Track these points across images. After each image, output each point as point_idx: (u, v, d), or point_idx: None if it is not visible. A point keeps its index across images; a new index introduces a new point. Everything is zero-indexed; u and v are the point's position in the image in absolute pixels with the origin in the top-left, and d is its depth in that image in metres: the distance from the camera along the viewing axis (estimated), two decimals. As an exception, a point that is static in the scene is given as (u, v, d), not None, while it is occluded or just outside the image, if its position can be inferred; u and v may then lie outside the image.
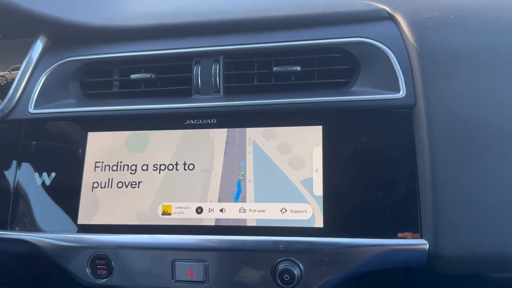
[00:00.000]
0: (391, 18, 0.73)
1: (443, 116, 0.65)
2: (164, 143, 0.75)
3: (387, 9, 0.73)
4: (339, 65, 0.74)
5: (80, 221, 0.74)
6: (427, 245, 0.62)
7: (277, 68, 0.75)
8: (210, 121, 0.74)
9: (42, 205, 0.76)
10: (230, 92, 0.77)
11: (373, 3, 0.75)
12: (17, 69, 0.84)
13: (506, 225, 0.61)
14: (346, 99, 0.70)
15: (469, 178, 0.63)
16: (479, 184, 0.63)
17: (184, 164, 0.73)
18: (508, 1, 0.71)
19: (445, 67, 0.67)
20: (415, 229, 0.63)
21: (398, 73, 0.69)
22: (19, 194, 0.77)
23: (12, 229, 0.76)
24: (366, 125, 0.69)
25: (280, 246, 0.66)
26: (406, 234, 0.64)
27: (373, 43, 0.71)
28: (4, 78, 0.88)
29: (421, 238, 0.63)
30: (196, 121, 0.74)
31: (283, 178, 0.69)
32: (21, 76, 0.81)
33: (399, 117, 0.68)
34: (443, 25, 0.69)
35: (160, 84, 0.80)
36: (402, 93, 0.68)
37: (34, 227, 0.75)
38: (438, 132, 0.65)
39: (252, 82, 0.77)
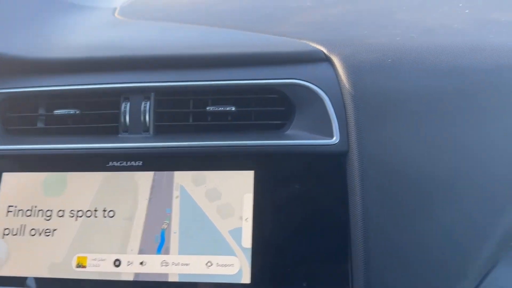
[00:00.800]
0: (327, 59, 0.70)
1: (376, 165, 0.62)
2: (83, 187, 0.68)
3: (324, 50, 0.71)
4: (276, 107, 0.71)
5: (-15, 273, 0.66)
6: None
7: (211, 108, 0.71)
8: (135, 163, 0.68)
9: None
10: (160, 132, 0.72)
11: (311, 43, 0.73)
12: None
13: (436, 280, 0.58)
14: (280, 143, 0.66)
15: (402, 231, 0.60)
16: (411, 238, 0.59)
17: (104, 210, 0.67)
18: (446, 44, 0.70)
19: (379, 113, 0.64)
20: (346, 281, 0.59)
21: (332, 117, 0.66)
22: None
23: None
24: (299, 171, 0.65)
25: None
26: (338, 285, 0.59)
27: (308, 86, 0.68)
28: None
29: (353, 291, 0.59)
30: (120, 163, 0.68)
31: (210, 227, 0.64)
32: None
33: (332, 164, 0.64)
34: (379, 68, 0.67)
35: (85, 121, 0.74)
36: (335, 139, 0.65)
37: None
38: (370, 182, 0.62)
39: (185, 121, 0.72)
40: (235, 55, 0.72)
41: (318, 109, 0.67)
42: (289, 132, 0.68)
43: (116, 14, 1.00)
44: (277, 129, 0.70)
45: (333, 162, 0.64)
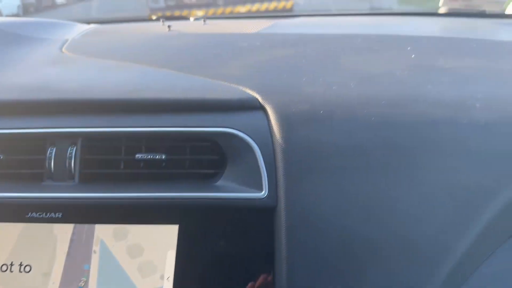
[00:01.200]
0: (262, 108, 0.68)
1: (303, 222, 0.60)
2: (1, 238, 0.64)
3: (259, 98, 0.69)
4: (209, 155, 0.68)
5: None
6: None
7: (140, 156, 0.68)
8: (55, 215, 0.65)
9: None
10: (87, 180, 0.69)
11: (247, 90, 0.71)
12: None
13: None
14: (207, 196, 0.64)
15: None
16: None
17: (20, 265, 0.63)
18: (382, 94, 0.69)
19: (309, 168, 0.62)
20: None
21: (262, 170, 0.64)
22: None
23: None
24: (226, 226, 0.62)
25: None
26: None
27: (240, 136, 0.66)
28: None
29: None
30: (39, 214, 0.65)
31: (130, 286, 0.61)
32: None
33: (260, 219, 0.62)
34: (311, 120, 0.65)
35: (8, 167, 0.70)
36: (264, 193, 0.63)
37: None
38: (296, 240, 0.59)
39: (115, 168, 0.69)
40: (169, 101, 0.70)
41: (250, 160, 0.65)
42: (219, 183, 0.66)
43: (63, 49, 0.97)
44: (210, 178, 0.68)
45: (261, 217, 0.62)
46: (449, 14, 1.27)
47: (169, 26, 1.16)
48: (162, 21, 1.26)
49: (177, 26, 1.20)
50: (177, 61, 0.84)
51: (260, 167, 0.64)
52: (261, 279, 0.60)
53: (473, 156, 0.63)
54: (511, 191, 0.62)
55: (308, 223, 0.60)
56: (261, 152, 0.65)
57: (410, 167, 0.63)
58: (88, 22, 1.38)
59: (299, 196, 0.61)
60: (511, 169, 0.63)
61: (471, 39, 0.95)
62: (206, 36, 1.06)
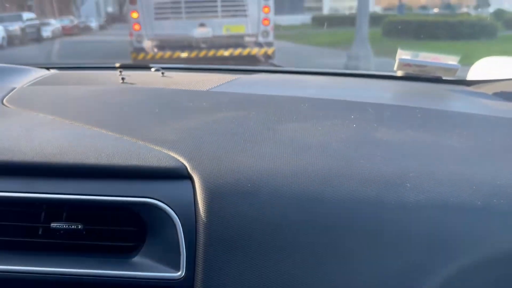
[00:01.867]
0: (189, 177, 0.65)
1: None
2: None
3: (188, 167, 0.66)
4: (128, 227, 0.65)
5: None
6: None
7: (55, 225, 0.64)
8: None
9: None
10: (-2, 248, 0.64)
11: (177, 156, 0.68)
12: None
13: None
14: (121, 275, 0.60)
15: None
16: None
17: None
18: (313, 168, 0.67)
19: (230, 246, 0.59)
20: None
21: (181, 247, 0.60)
22: None
23: None
24: (138, 309, 0.58)
25: None
26: None
27: (162, 207, 0.63)
28: None
29: None
30: None
31: None
32: None
33: (174, 302, 0.58)
34: (237, 194, 0.62)
35: None
36: (180, 273, 0.59)
37: None
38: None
39: (29, 237, 0.65)
40: (91, 166, 0.67)
41: (170, 235, 0.62)
42: (136, 259, 0.62)
43: (4, 100, 0.95)
44: (129, 252, 0.64)
45: (176, 300, 0.58)
46: (407, 78, 1.29)
47: (123, 78, 1.14)
48: (120, 71, 1.24)
49: (132, 77, 1.18)
50: (113, 120, 0.82)
51: (180, 244, 0.61)
52: None
53: (401, 238, 0.61)
54: (437, 275, 0.60)
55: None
56: (182, 227, 0.61)
57: (337, 247, 0.60)
58: (49, 67, 1.36)
59: (218, 280, 0.58)
60: (437, 252, 0.60)
61: (417, 108, 0.96)
62: (154, 92, 1.04)
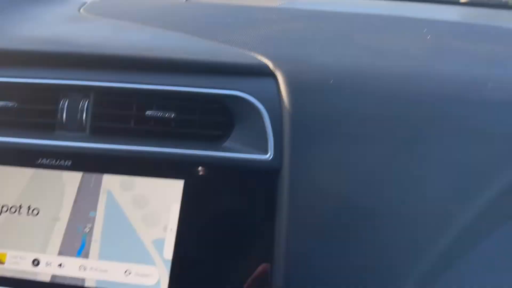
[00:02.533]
0: (272, 75, 0.69)
1: (306, 186, 0.61)
2: (10, 181, 0.66)
3: (270, 65, 0.70)
4: (217, 117, 0.70)
5: None
6: None
7: (150, 113, 0.69)
8: (65, 163, 0.66)
9: None
10: (97, 133, 0.70)
11: (259, 56, 0.71)
12: None
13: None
14: (213, 155, 0.65)
15: (323, 257, 0.59)
16: (333, 266, 0.58)
17: (29, 208, 0.65)
18: (393, 69, 0.69)
19: (315, 134, 0.63)
20: None
21: (268, 133, 0.65)
22: None
23: None
24: (230, 185, 0.64)
25: None
26: None
27: (249, 99, 0.67)
28: None
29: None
30: (49, 161, 0.67)
31: (133, 236, 0.63)
32: None
33: (264, 181, 0.63)
34: (321, 89, 0.66)
35: (20, 115, 0.72)
36: (269, 155, 0.64)
37: None
38: (298, 203, 0.61)
39: (124, 124, 0.71)
40: (181, 61, 0.71)
41: (257, 124, 0.66)
42: (226, 144, 0.67)
43: (81, 10, 0.99)
44: (217, 139, 0.69)
45: (265, 178, 0.63)
46: (470, 3, 1.25)
47: None
48: None
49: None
50: (191, 26, 0.85)
51: (267, 130, 0.65)
52: (260, 237, 0.61)
53: (480, 135, 0.64)
54: None
55: (311, 186, 0.61)
56: (268, 116, 0.66)
57: (415, 141, 0.64)
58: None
59: (304, 161, 0.62)
60: None
61: (489, 26, 0.95)
62: (222, 7, 1.06)
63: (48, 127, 0.70)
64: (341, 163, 0.63)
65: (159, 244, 0.62)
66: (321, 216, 0.60)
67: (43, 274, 0.62)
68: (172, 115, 0.69)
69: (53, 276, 0.62)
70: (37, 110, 0.71)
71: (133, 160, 0.66)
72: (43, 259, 0.63)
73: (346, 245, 0.60)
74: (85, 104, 0.70)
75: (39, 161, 0.67)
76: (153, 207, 0.64)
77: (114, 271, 0.61)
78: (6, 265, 0.63)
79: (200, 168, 0.65)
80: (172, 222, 0.63)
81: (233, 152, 0.65)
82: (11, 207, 0.65)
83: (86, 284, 0.61)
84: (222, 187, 0.64)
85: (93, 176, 0.66)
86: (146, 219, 0.63)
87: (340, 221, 0.60)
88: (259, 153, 0.65)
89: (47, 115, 0.71)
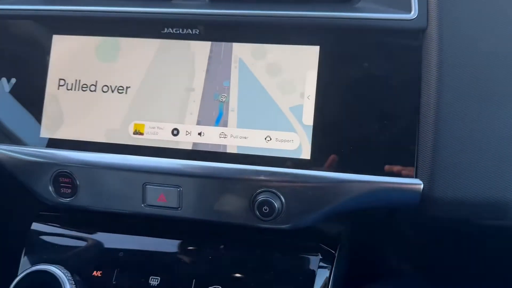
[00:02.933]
0: None
1: (457, 45, 0.57)
2: (138, 54, 0.65)
3: None
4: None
5: (43, 134, 0.66)
6: (422, 185, 0.57)
7: None
8: (192, 32, 0.64)
9: (0, 114, 0.68)
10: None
11: None
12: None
13: (510, 171, 0.56)
14: (349, 16, 0.61)
15: (477, 116, 0.57)
16: (487, 125, 0.56)
17: (161, 79, 0.65)
18: None
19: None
20: (410, 168, 0.58)
21: None
22: (-26, 100, 0.69)
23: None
24: (369, 48, 0.60)
25: (262, 176, 0.60)
26: (399, 172, 0.58)
27: None
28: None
29: (416, 177, 0.58)
30: (176, 30, 0.64)
31: (270, 103, 0.62)
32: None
33: (407, 41, 0.59)
34: None
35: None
36: (413, 14, 0.59)
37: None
38: (449, 63, 0.57)
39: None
40: None
41: None
42: (360, 4, 0.62)
43: None
44: (344, 1, 0.64)
45: (409, 39, 0.59)
46: None
47: None
48: None
49: None
50: None
51: None
52: (404, 100, 0.59)
53: None
54: None
55: (463, 46, 0.57)
56: None
57: None
58: None
59: (454, 18, 0.58)
60: None
61: None
62: None
63: (166, -4, 0.67)
64: (491, 17, 0.57)
65: (297, 110, 0.61)
66: (473, 76, 0.57)
67: (184, 142, 0.63)
68: (297, -24, 0.64)
69: (194, 144, 0.63)
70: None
71: (263, 26, 0.63)
72: (182, 129, 0.64)
73: (502, 111, 0.57)
74: (203, -31, 0.65)
75: (164, 31, 0.65)
76: (288, 74, 0.62)
77: (254, 137, 0.62)
78: (145, 136, 0.65)
79: (335, 32, 0.61)
80: (309, 89, 0.61)
81: (372, 13, 0.61)
82: (142, 80, 0.65)
83: (227, 150, 0.62)
84: (360, 51, 0.60)
85: (223, 45, 0.63)
86: (282, 86, 0.62)
87: (498, 83, 0.56)
88: (401, 12, 0.60)
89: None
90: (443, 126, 0.57)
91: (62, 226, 0.69)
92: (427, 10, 0.59)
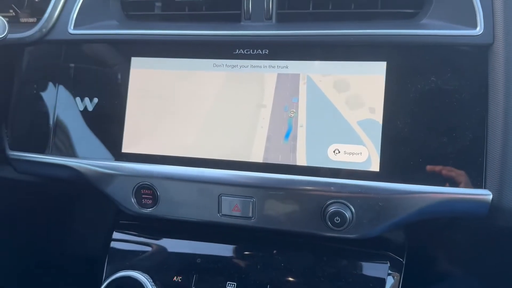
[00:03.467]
0: None
1: (525, 59, 0.59)
2: (212, 76, 0.70)
3: None
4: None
5: (124, 149, 0.72)
6: (491, 196, 0.59)
7: None
8: (262, 52, 0.68)
9: (84, 131, 0.74)
10: (283, 20, 0.71)
11: None
12: (55, -15, 0.78)
13: None
14: (416, 33, 0.63)
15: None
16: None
17: (232, 97, 0.69)
18: None
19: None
20: (479, 179, 0.60)
21: (476, 6, 0.61)
22: (60, 119, 0.75)
23: (53, 154, 0.75)
24: (435, 63, 0.62)
25: (332, 188, 0.63)
26: (468, 183, 0.60)
27: None
28: (39, -6, 0.82)
29: (485, 188, 0.59)
30: (246, 51, 0.69)
31: (338, 117, 0.65)
32: (59, -7, 0.76)
33: (473, 57, 0.61)
34: None
35: (206, 8, 0.73)
36: (479, 30, 0.61)
37: (76, 154, 0.74)
38: (516, 77, 0.59)
39: (307, 9, 0.70)
40: None
41: None
42: (424, 21, 0.65)
43: None
44: (410, 18, 0.67)
45: (475, 54, 0.61)
46: None
47: None
48: None
49: None
50: None
51: (474, 3, 0.62)
52: (471, 113, 0.61)
53: None
54: None
55: (530, 59, 0.59)
56: None
57: None
58: None
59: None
60: None
61: None
62: None
63: (234, 18, 0.71)
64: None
65: (365, 124, 0.64)
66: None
67: (256, 155, 0.67)
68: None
69: (265, 157, 0.67)
70: (220, 2, 0.72)
71: (331, 44, 0.66)
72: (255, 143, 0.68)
73: None
74: (270, -9, 0.69)
75: (236, 52, 0.69)
76: (355, 90, 0.65)
77: (323, 150, 0.65)
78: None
79: (401, 49, 0.64)
80: (377, 104, 0.64)
81: (437, 29, 0.63)
82: (215, 99, 0.69)
83: (298, 163, 0.66)
84: (426, 66, 0.63)
85: (291, 63, 0.67)
86: (349, 101, 0.65)
87: None
88: (466, 28, 0.62)
89: (232, 6, 0.71)
90: (511, 137, 0.58)
91: (141, 234, 0.75)
92: (493, 25, 0.60)
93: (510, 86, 0.59)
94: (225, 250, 0.70)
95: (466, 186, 0.60)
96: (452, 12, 0.63)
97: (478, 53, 0.61)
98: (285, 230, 0.66)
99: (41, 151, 0.76)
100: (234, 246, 0.70)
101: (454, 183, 0.60)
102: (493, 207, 0.59)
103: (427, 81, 0.62)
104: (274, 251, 0.69)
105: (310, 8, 0.70)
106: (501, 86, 0.59)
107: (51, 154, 0.76)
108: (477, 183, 0.60)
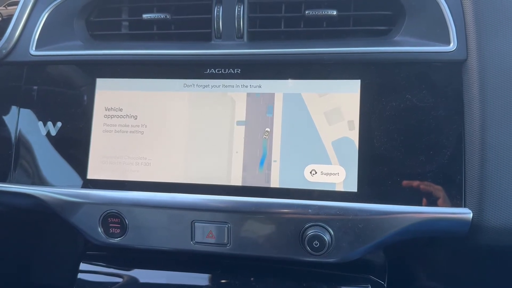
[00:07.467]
0: None
1: (498, 74, 0.58)
2: (183, 96, 0.67)
3: None
4: (380, 11, 0.66)
5: (90, 175, 0.68)
6: (471, 215, 0.57)
7: (310, 12, 0.66)
8: (234, 71, 0.66)
9: (47, 157, 0.70)
10: (254, 38, 0.69)
11: None
12: (15, 3, 0.74)
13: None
14: (389, 50, 0.62)
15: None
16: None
17: (204, 118, 0.66)
18: None
19: (504, 18, 0.59)
20: (458, 197, 0.58)
21: (449, 22, 0.61)
22: (22, 145, 0.71)
23: (14, 182, 0.71)
24: (410, 80, 0.61)
25: (310, 210, 0.61)
26: (447, 202, 0.59)
27: None
28: (-1, 14, 0.79)
29: (464, 206, 0.58)
30: (218, 70, 0.66)
31: (314, 136, 0.63)
32: (20, 12, 0.72)
33: (447, 73, 0.61)
34: None
35: (175, 27, 0.71)
36: (452, 46, 0.60)
37: (38, 181, 0.69)
38: (490, 92, 0.58)
39: (278, 27, 0.69)
40: None
41: (432, 14, 0.62)
42: (398, 38, 0.64)
43: None
44: (384, 35, 0.66)
45: (449, 70, 0.61)
46: None
47: None
48: None
49: None
50: None
51: (447, 19, 0.61)
52: (447, 130, 0.60)
53: None
54: None
55: (503, 75, 0.58)
56: (447, 4, 0.61)
57: None
58: None
59: (493, 49, 0.59)
60: None
61: None
62: None
63: (204, 37, 0.69)
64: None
65: (341, 143, 0.62)
66: (516, 103, 0.58)
67: (229, 178, 0.64)
68: (334, 13, 0.66)
69: (239, 181, 0.64)
70: (191, 20, 0.70)
71: (304, 62, 0.64)
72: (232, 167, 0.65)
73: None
74: (240, 9, 0.68)
75: (207, 72, 0.66)
76: (330, 109, 0.63)
77: (299, 172, 0.63)
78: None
79: (376, 65, 0.62)
80: (352, 122, 0.62)
81: (410, 46, 0.62)
82: (188, 119, 0.67)
83: (273, 185, 0.63)
84: (401, 83, 0.62)
85: (264, 82, 0.65)
86: (325, 121, 0.63)
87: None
88: (439, 45, 0.61)
89: (202, 24, 0.69)
90: (489, 154, 0.58)
91: (111, 265, 0.70)
92: (466, 41, 0.60)
93: (485, 101, 0.58)
94: (200, 279, 0.66)
95: (446, 205, 0.59)
96: (425, 29, 0.63)
97: (452, 69, 0.61)
98: (263, 256, 0.63)
99: (2, 179, 0.71)
100: (209, 274, 0.67)
101: (433, 202, 0.59)
102: (473, 226, 0.58)
103: (402, 98, 0.61)
104: (252, 279, 0.66)
105: (282, 27, 0.69)
106: (476, 102, 0.59)
107: (12, 182, 0.71)
108: (456, 202, 0.59)
